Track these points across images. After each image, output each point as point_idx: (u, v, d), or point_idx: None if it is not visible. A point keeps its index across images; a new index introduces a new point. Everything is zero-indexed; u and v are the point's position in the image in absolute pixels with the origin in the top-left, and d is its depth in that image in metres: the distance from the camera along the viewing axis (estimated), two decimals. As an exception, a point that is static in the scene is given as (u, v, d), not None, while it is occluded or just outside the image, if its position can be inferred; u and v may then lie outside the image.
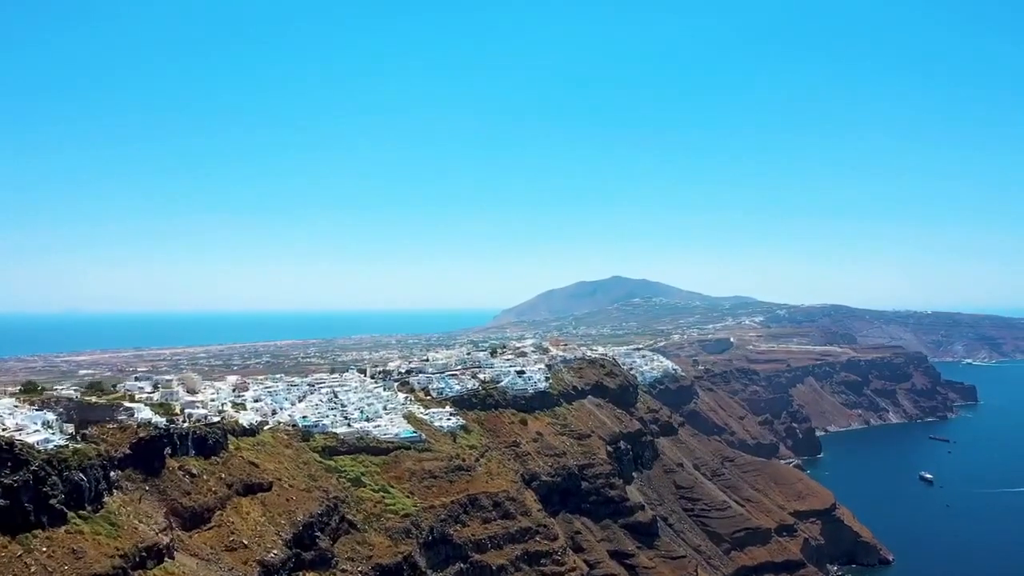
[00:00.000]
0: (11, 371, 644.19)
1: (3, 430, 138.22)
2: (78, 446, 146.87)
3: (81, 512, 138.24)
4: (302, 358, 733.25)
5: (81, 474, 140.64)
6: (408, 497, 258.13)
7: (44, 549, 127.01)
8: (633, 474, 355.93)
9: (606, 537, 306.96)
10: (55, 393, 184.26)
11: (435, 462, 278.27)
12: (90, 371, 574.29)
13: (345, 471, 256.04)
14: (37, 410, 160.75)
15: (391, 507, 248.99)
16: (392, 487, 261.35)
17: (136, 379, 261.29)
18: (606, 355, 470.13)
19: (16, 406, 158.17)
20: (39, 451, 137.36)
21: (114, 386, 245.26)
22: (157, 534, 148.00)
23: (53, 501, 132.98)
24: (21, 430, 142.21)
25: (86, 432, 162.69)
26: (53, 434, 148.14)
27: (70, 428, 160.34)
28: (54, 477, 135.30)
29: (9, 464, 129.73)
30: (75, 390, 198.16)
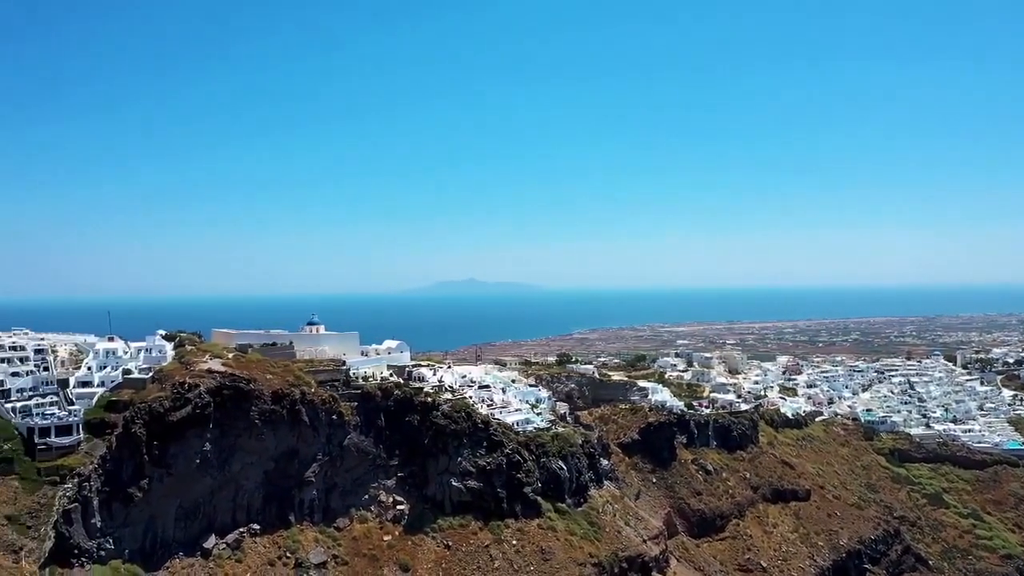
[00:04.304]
0: (624, 338, 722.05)
1: (488, 405, 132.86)
2: (561, 430, 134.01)
3: (559, 505, 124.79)
4: (895, 337, 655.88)
5: (560, 462, 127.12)
6: (1012, 532, 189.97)
7: (514, 543, 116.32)
8: None
9: None
10: (575, 368, 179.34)
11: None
12: (686, 341, 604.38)
13: (920, 484, 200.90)
14: (531, 386, 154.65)
15: (985, 541, 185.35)
16: (988, 514, 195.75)
17: (676, 354, 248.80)
18: None
19: (514, 380, 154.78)
20: (516, 432, 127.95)
21: (654, 361, 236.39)
22: (644, 542, 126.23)
23: (527, 490, 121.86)
24: (505, 407, 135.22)
25: (579, 414, 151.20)
26: (538, 414, 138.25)
27: (563, 408, 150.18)
28: (529, 463, 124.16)
29: (485, 444, 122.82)
30: (596, 366, 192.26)
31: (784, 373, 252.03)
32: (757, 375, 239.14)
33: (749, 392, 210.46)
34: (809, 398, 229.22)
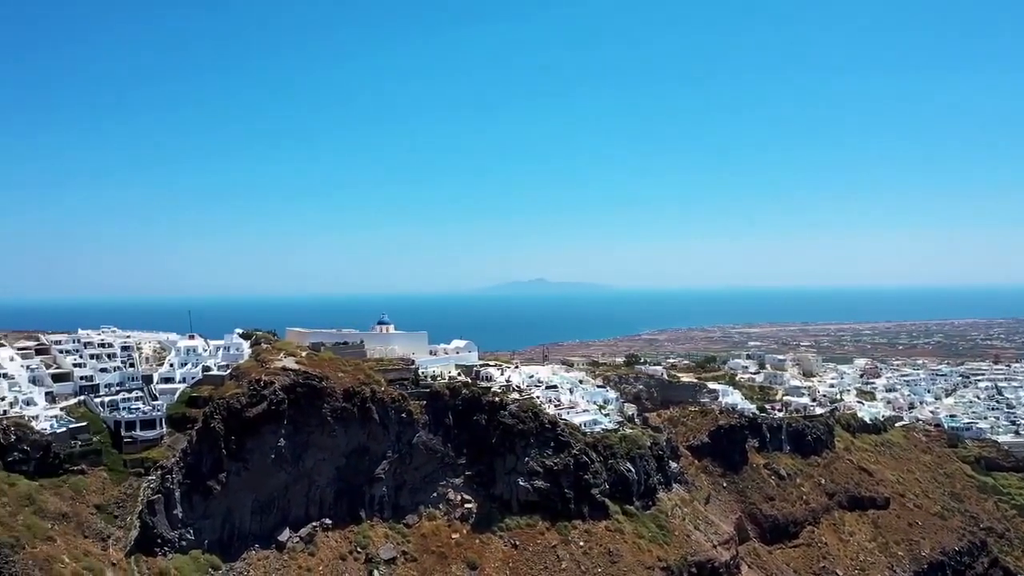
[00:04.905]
0: (693, 339, 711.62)
1: (556, 406, 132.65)
2: (629, 431, 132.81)
3: (627, 507, 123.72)
4: (982, 340, 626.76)
5: (628, 464, 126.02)
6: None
7: (581, 543, 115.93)
8: None
9: None
10: (644, 369, 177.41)
11: None
12: (758, 342, 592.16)
13: (1008, 494, 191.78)
14: (599, 386, 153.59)
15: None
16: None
17: (747, 356, 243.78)
18: None
19: (581, 381, 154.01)
20: (583, 434, 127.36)
21: (724, 362, 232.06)
22: (714, 547, 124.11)
23: (595, 491, 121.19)
24: (573, 407, 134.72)
25: (647, 416, 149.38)
26: (606, 415, 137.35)
27: (631, 409, 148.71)
28: (596, 464, 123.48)
29: (552, 445, 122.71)
30: (664, 367, 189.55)
31: (861, 376, 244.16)
32: (833, 378, 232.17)
33: (824, 395, 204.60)
34: (888, 402, 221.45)
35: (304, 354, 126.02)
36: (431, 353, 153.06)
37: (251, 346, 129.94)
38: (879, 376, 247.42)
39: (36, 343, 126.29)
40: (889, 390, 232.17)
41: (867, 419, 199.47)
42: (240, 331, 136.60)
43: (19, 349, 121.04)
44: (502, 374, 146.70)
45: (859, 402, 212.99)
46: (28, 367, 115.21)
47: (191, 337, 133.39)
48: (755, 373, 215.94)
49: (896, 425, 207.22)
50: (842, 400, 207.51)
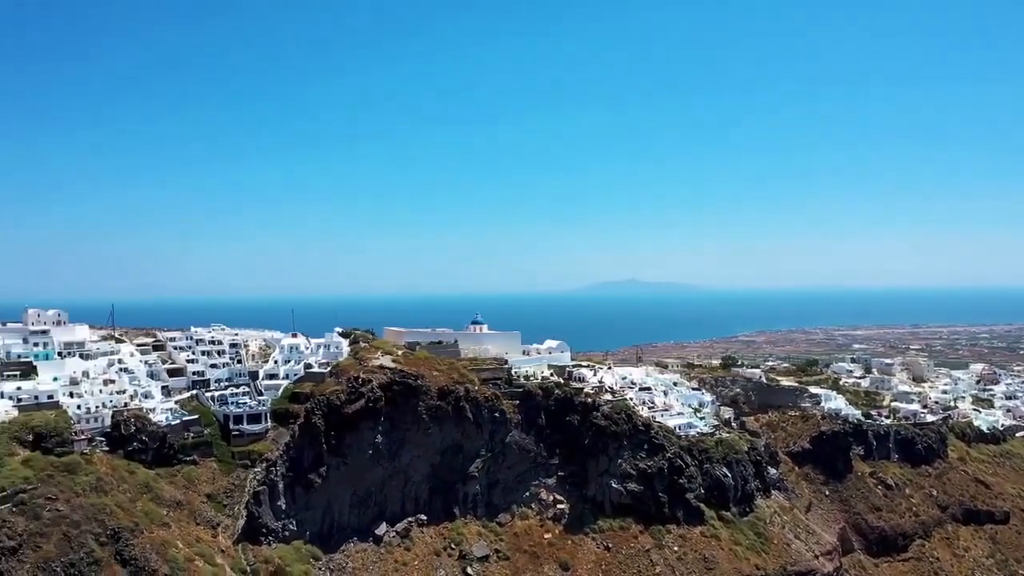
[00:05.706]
0: (793, 341, 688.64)
1: (650, 408, 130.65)
2: (726, 436, 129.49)
3: (723, 513, 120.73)
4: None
5: (725, 469, 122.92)
6: None
7: (675, 548, 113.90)
8: None
9: None
10: (741, 371, 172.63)
11: None
12: (863, 345, 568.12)
13: None
14: (694, 389, 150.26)
15: None
16: None
17: (852, 359, 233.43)
18: None
19: (676, 383, 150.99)
20: (678, 437, 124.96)
21: (827, 366, 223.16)
22: (816, 558, 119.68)
23: (690, 496, 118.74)
24: (667, 410, 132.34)
25: (744, 420, 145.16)
26: (701, 418, 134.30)
27: (728, 413, 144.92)
28: (691, 468, 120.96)
29: (645, 447, 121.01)
30: (763, 370, 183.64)
31: (978, 382, 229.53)
32: (946, 384, 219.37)
33: (936, 402, 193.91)
34: (1008, 411, 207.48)
35: (400, 353, 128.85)
36: (524, 353, 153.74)
37: (350, 345, 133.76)
38: (997, 382, 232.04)
39: (153, 340, 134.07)
40: (1009, 397, 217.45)
41: (984, 428, 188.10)
42: (340, 330, 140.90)
43: (138, 345, 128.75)
44: (595, 375, 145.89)
45: (975, 410, 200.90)
46: (146, 362, 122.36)
47: (294, 335, 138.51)
48: (860, 377, 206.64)
49: (1017, 435, 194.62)
50: (956, 407, 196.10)
